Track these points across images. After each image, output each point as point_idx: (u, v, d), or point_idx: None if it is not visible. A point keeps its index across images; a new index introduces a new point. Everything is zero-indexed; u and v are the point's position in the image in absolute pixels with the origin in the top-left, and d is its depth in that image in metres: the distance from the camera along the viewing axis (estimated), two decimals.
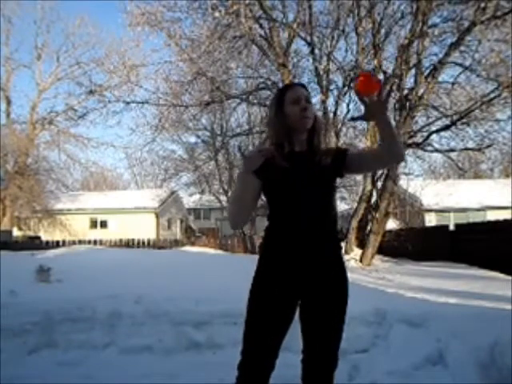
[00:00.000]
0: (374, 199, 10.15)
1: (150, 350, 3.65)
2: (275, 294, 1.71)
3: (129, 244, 16.33)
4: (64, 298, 4.30)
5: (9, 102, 25.04)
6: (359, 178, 12.38)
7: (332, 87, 10.66)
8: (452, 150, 10.49)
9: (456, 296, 4.89)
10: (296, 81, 10.70)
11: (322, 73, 9.87)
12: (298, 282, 1.71)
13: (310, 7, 9.52)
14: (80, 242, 16.40)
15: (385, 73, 9.67)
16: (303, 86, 1.91)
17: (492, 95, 8.91)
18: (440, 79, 9.81)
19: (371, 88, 1.59)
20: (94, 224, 26.47)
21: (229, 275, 5.92)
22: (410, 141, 9.58)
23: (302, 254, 1.71)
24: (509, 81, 8.40)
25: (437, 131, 9.72)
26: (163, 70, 11.08)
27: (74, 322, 3.90)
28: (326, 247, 1.76)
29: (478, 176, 25.46)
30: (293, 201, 1.74)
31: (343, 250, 10.16)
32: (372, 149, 1.83)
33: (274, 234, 1.78)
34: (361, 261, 9.49)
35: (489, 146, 10.02)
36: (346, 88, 10.68)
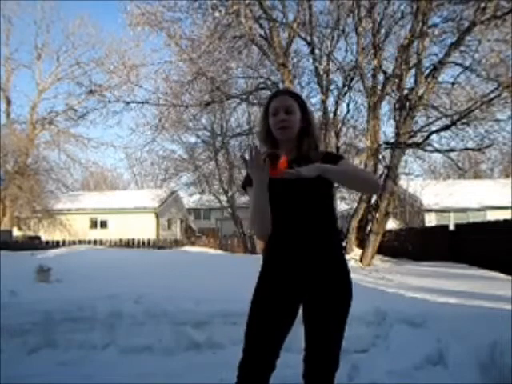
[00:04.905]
0: (373, 199, 10.15)
1: (150, 350, 3.65)
2: (275, 295, 1.74)
3: (129, 244, 16.32)
4: (64, 298, 4.30)
5: (9, 102, 25.08)
6: None
7: (332, 87, 10.68)
8: (452, 150, 10.49)
9: (456, 296, 4.89)
10: (296, 81, 10.72)
11: (322, 73, 9.87)
12: (297, 283, 1.74)
13: (309, 7, 9.51)
14: (80, 242, 16.41)
15: (385, 73, 9.67)
16: (290, 93, 1.89)
17: (492, 95, 8.90)
18: (440, 79, 9.82)
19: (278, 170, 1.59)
20: (94, 224, 26.44)
21: (229, 275, 5.93)
22: (410, 141, 9.58)
23: (299, 257, 1.74)
24: (509, 81, 8.40)
25: (437, 131, 9.71)
26: (163, 69, 11.11)
27: (74, 321, 3.90)
28: (324, 250, 1.77)
29: (478, 176, 25.47)
30: (284, 210, 1.76)
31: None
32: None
33: (273, 239, 1.80)
34: (361, 261, 9.49)
35: (489, 146, 10.01)
36: (346, 88, 10.69)
